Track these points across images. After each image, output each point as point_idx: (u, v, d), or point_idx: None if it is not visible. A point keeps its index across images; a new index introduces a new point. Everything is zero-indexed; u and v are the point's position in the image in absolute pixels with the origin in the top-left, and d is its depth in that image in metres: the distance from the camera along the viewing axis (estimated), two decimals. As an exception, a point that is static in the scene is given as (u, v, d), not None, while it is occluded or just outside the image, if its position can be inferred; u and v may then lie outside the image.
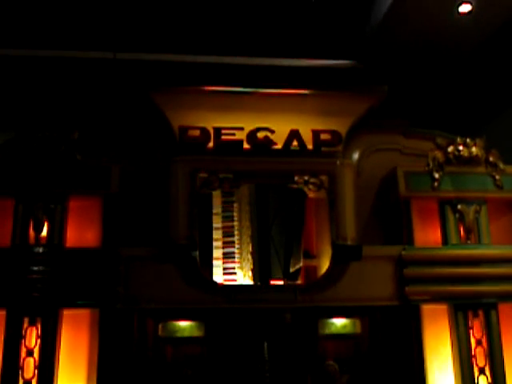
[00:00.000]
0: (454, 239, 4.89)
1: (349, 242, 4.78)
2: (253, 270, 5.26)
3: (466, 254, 4.84)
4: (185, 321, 4.63)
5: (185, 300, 4.53)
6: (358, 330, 4.77)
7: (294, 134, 4.98)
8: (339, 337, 4.77)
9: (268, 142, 4.95)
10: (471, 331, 4.69)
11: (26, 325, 4.32)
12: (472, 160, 5.05)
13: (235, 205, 5.45)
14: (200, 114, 4.93)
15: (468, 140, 5.10)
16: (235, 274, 5.24)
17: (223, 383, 4.56)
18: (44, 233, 4.52)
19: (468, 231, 4.91)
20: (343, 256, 4.74)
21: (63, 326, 4.41)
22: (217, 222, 5.36)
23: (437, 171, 4.97)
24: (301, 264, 5.33)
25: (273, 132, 4.96)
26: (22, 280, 4.36)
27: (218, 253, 5.27)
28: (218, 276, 5.20)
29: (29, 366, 4.26)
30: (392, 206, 5.05)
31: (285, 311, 4.70)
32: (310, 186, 4.92)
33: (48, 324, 4.34)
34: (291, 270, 5.40)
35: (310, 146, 4.98)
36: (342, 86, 5.37)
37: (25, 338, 4.30)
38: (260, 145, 4.94)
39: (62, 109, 6.06)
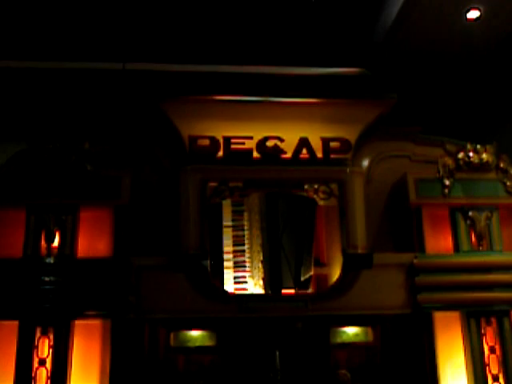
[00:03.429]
0: (465, 246, 4.87)
1: (359, 250, 4.77)
2: (263, 279, 5.25)
3: (477, 261, 4.82)
4: (196, 330, 4.64)
5: (196, 309, 4.53)
6: (370, 338, 4.76)
7: (304, 143, 4.99)
8: (351, 345, 4.75)
9: (277, 150, 4.96)
10: (484, 338, 4.67)
11: (38, 335, 4.35)
12: (482, 166, 5.03)
13: (245, 214, 5.45)
14: (209, 123, 4.95)
15: (478, 146, 5.08)
16: (246, 283, 5.23)
17: (235, 393, 4.56)
18: (55, 243, 4.55)
19: (479, 238, 4.89)
20: (354, 264, 4.73)
21: (75, 336, 4.42)
22: (227, 232, 5.36)
23: (447, 178, 4.96)
24: (311, 273, 5.32)
25: (282, 141, 4.98)
26: (33, 291, 4.39)
27: (228, 262, 5.27)
28: (229, 285, 5.19)
29: (41, 376, 4.28)
30: (402, 213, 5.04)
31: (296, 320, 4.70)
32: (320, 194, 4.92)
33: (60, 334, 4.36)
34: (302, 278, 5.38)
35: (319, 155, 4.99)
36: (351, 93, 5.36)
37: (37, 348, 4.32)
38: (269, 153, 4.95)
39: (72, 120, 6.09)
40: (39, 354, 4.31)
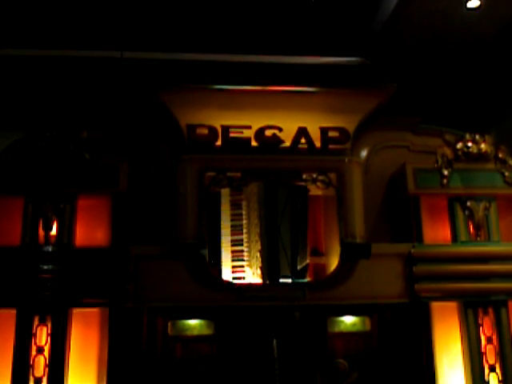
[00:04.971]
0: (463, 236, 4.88)
1: (357, 240, 4.77)
2: (261, 268, 5.26)
3: (475, 251, 4.82)
4: (194, 319, 4.64)
5: (194, 298, 4.54)
6: (368, 327, 4.76)
7: (302, 132, 4.97)
8: (349, 335, 4.76)
9: (276, 139, 4.95)
10: (481, 329, 4.67)
11: (36, 323, 4.35)
12: (481, 156, 5.02)
13: (244, 203, 5.44)
14: (208, 112, 4.93)
15: (477, 136, 5.07)
16: (244, 271, 5.24)
17: (233, 381, 4.57)
18: (53, 232, 4.54)
19: (477, 228, 4.89)
20: (352, 254, 4.73)
21: (73, 325, 4.43)
22: (225, 221, 5.36)
23: (446, 168, 4.95)
24: (307, 261, 5.33)
25: (281, 130, 4.96)
26: (31, 279, 4.38)
27: (226, 251, 5.27)
28: (227, 274, 5.20)
29: (39, 364, 4.28)
30: (401, 203, 5.03)
31: (294, 309, 4.70)
32: (319, 184, 4.91)
33: (58, 322, 4.36)
34: (298, 267, 5.39)
35: (317, 144, 4.98)
36: (350, 83, 5.36)
37: (35, 336, 4.32)
38: (268, 143, 4.94)
39: (70, 108, 6.08)
40: (37, 342, 4.31)
